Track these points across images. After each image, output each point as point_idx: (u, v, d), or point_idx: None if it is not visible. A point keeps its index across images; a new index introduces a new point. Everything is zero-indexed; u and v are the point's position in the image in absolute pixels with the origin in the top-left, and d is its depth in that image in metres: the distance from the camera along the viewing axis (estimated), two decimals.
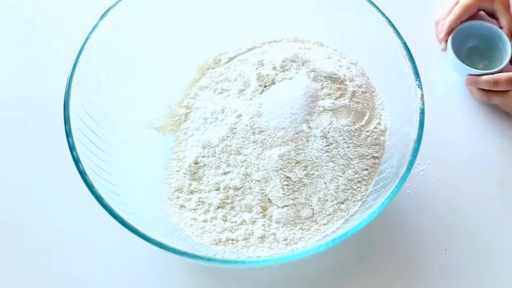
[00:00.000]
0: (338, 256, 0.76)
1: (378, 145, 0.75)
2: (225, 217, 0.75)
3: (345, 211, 0.73)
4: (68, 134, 0.67)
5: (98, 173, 0.68)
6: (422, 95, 0.69)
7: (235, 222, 0.74)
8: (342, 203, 0.73)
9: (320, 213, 0.74)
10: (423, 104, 0.68)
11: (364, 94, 0.78)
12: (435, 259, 0.76)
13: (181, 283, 0.76)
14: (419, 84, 0.70)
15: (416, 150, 0.66)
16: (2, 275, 0.77)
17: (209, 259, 0.64)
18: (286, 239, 0.72)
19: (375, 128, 0.76)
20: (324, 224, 0.73)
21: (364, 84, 0.79)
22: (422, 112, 0.68)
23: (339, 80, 0.77)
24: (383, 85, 0.80)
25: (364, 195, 0.73)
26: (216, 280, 0.76)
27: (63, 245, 0.78)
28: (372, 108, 0.78)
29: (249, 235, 0.73)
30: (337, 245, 0.63)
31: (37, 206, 0.81)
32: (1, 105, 0.91)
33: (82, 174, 0.65)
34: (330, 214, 0.73)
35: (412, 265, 0.75)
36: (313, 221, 0.74)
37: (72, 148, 0.67)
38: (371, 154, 0.75)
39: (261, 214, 0.74)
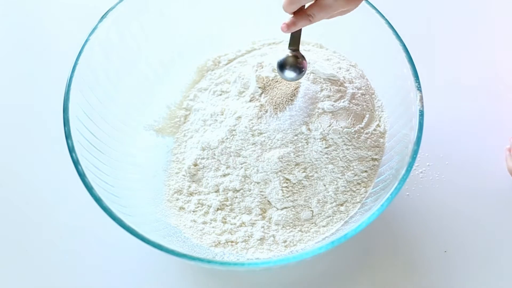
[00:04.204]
0: (338, 258, 0.76)
1: (378, 147, 0.75)
2: (225, 219, 0.75)
3: (344, 213, 0.73)
4: (68, 136, 0.67)
5: (97, 175, 0.68)
6: (422, 97, 0.69)
7: (235, 224, 0.74)
8: (342, 205, 0.73)
9: (320, 215, 0.74)
10: (422, 106, 0.68)
11: (363, 96, 0.78)
12: (435, 261, 0.76)
13: (180, 285, 0.76)
14: (419, 86, 0.70)
15: (415, 152, 0.66)
16: (2, 275, 0.77)
17: (208, 261, 0.64)
18: (285, 241, 0.72)
19: (374, 130, 0.76)
20: (324, 226, 0.73)
21: (363, 86, 0.79)
22: (422, 114, 0.68)
23: (339, 82, 0.77)
24: (382, 87, 0.80)
25: (364, 197, 0.73)
26: (215, 282, 0.76)
27: (62, 246, 0.78)
28: (371, 110, 0.78)
29: (248, 237, 0.73)
30: (337, 246, 0.63)
31: (36, 208, 0.81)
32: (0, 107, 0.91)
33: (82, 176, 0.65)
34: (330, 216, 0.73)
35: (411, 267, 0.75)
36: (312, 223, 0.74)
37: (71, 150, 0.66)
38: (370, 156, 0.75)
39: (261, 216, 0.74)
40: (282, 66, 0.72)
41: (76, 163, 0.66)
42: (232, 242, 0.73)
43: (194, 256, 0.64)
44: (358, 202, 0.73)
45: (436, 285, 0.74)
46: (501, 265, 0.76)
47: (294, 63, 0.71)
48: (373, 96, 0.80)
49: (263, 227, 0.73)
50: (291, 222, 0.74)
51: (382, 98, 0.79)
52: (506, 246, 0.77)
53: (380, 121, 0.78)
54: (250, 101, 0.78)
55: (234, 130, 0.76)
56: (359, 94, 0.77)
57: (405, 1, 0.99)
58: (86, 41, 0.74)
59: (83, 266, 0.77)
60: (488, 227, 0.78)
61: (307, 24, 0.67)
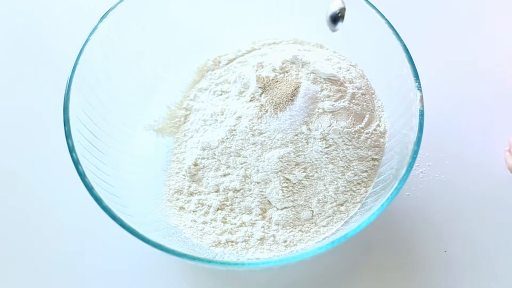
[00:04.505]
0: (338, 258, 0.76)
1: (378, 147, 0.75)
2: (225, 219, 0.75)
3: (344, 213, 0.73)
4: (68, 136, 0.67)
5: (97, 175, 0.68)
6: (422, 97, 0.69)
7: (235, 224, 0.74)
8: (342, 205, 0.73)
9: (320, 215, 0.74)
10: (422, 106, 0.68)
11: (363, 96, 0.78)
12: (435, 261, 0.76)
13: (180, 285, 0.76)
14: (419, 86, 0.70)
15: (415, 152, 0.66)
16: (1, 275, 0.77)
17: (208, 261, 0.64)
18: (285, 241, 0.72)
19: (374, 130, 0.76)
20: (324, 226, 0.73)
21: (363, 86, 0.79)
22: (422, 114, 0.68)
23: (339, 82, 0.77)
24: (382, 87, 0.80)
25: (364, 197, 0.73)
26: (215, 282, 0.76)
27: (62, 246, 0.78)
28: (371, 110, 0.78)
29: (248, 237, 0.73)
30: (337, 246, 0.63)
31: (36, 208, 0.81)
32: (0, 106, 0.91)
33: (82, 176, 0.65)
34: (330, 216, 0.73)
35: (412, 267, 0.75)
36: (312, 223, 0.74)
37: (71, 150, 0.66)
38: (370, 156, 0.75)
39: (261, 216, 0.74)
40: (336, 18, 0.70)
41: (76, 163, 0.66)
42: (232, 242, 0.73)
43: (194, 256, 0.64)
44: (359, 202, 0.73)
45: (436, 285, 0.74)
46: (501, 265, 0.76)
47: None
48: (373, 96, 0.80)
49: (263, 227, 0.73)
50: (291, 222, 0.74)
51: (382, 98, 0.79)
52: (506, 246, 0.77)
53: (380, 121, 0.78)
54: (250, 101, 0.78)
55: (234, 130, 0.76)
56: (359, 94, 0.77)
57: (405, 1, 0.99)
58: (86, 41, 0.74)
59: (83, 266, 0.77)
60: (489, 227, 0.78)
61: None
